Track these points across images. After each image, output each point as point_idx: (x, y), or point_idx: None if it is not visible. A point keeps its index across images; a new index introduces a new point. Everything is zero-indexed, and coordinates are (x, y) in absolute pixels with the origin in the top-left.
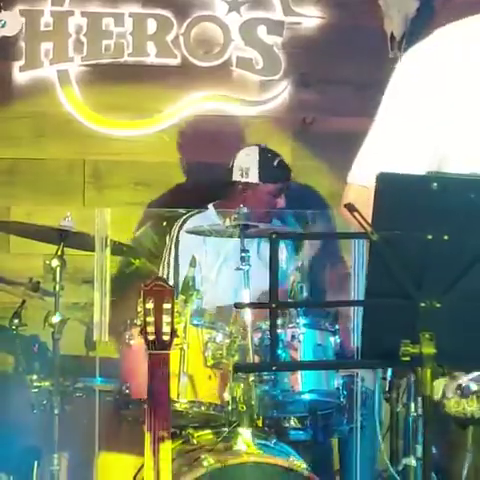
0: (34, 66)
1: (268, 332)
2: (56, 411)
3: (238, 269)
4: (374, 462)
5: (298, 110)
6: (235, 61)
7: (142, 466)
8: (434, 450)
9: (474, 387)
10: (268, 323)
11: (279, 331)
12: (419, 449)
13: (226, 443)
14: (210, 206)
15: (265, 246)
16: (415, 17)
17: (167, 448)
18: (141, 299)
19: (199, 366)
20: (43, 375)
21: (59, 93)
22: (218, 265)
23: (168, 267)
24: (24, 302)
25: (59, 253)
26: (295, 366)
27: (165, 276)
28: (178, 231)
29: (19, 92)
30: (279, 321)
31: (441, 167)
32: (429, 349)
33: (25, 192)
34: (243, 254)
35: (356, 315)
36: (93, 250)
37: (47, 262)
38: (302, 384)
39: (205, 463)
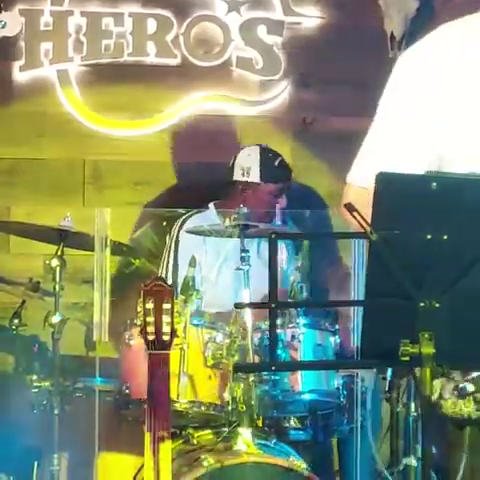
0: (34, 66)
1: (268, 332)
2: (56, 411)
3: (238, 269)
4: (374, 462)
5: (298, 110)
6: (235, 61)
7: (142, 466)
8: (434, 450)
9: (471, 388)
10: (268, 323)
11: (279, 331)
12: (419, 449)
13: (226, 443)
14: (211, 205)
15: (265, 246)
16: (415, 17)
17: (167, 448)
18: (141, 299)
19: (199, 366)
20: (43, 375)
21: (59, 93)
22: (218, 265)
23: (168, 267)
24: (24, 302)
25: (59, 253)
26: (295, 366)
27: (165, 276)
28: (178, 231)
29: (19, 92)
30: (279, 321)
31: (440, 167)
32: (428, 349)
33: (25, 192)
34: (243, 254)
35: (356, 315)
36: (93, 250)
37: (47, 262)
38: (302, 384)
39: (205, 463)
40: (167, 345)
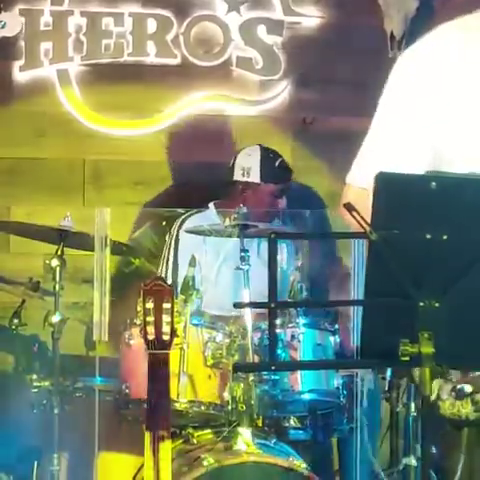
0: (34, 66)
1: (268, 332)
2: (56, 411)
3: (238, 269)
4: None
5: (298, 110)
6: (235, 61)
7: (142, 466)
8: (434, 450)
9: (468, 389)
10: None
11: (279, 331)
12: (419, 449)
13: (226, 443)
14: (211, 205)
15: (265, 246)
16: (415, 16)
17: (167, 448)
18: (141, 299)
19: (199, 366)
20: (43, 375)
21: (59, 93)
22: (218, 265)
23: (168, 267)
24: (24, 302)
25: (59, 253)
26: (295, 366)
27: (165, 276)
28: (178, 230)
29: (19, 92)
30: (279, 321)
31: (439, 166)
32: (428, 349)
33: (25, 192)
34: (242, 254)
35: (356, 315)
36: (93, 250)
37: (47, 262)
38: (302, 384)
39: (205, 463)
40: (167, 345)
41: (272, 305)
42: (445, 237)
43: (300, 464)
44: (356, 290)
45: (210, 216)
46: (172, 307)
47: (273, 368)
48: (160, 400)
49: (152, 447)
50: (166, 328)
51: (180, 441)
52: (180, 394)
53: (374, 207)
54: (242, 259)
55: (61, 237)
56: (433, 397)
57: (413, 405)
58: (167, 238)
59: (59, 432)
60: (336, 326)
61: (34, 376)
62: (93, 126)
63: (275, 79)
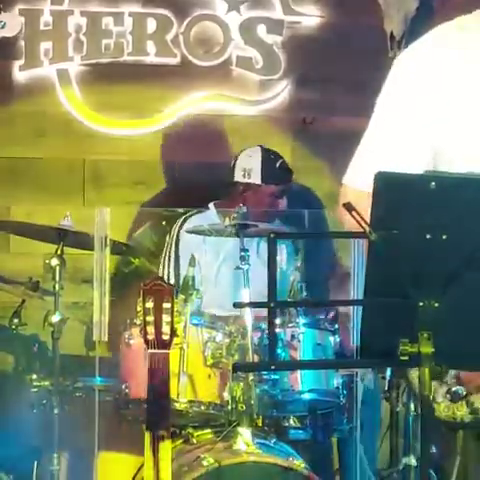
0: (34, 65)
1: (267, 331)
2: (56, 411)
3: (237, 268)
4: (374, 462)
5: (298, 109)
6: (235, 60)
7: (142, 466)
8: (434, 449)
9: (463, 392)
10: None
11: (279, 330)
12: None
13: (226, 442)
14: (211, 205)
15: (265, 247)
16: (415, 16)
17: (167, 447)
18: (141, 298)
19: (199, 365)
20: (43, 375)
21: (59, 92)
22: (218, 265)
23: (168, 266)
24: (24, 301)
25: (59, 252)
26: (294, 365)
27: (165, 276)
28: (178, 230)
29: (19, 92)
30: (279, 320)
31: (438, 166)
32: (427, 348)
33: (25, 192)
34: (242, 253)
35: (355, 314)
36: (93, 249)
37: (47, 261)
38: (302, 383)
39: (205, 462)
40: (167, 344)
41: (272, 305)
42: (445, 237)
43: (300, 464)
44: (356, 290)
45: (210, 216)
46: (172, 307)
47: (273, 368)
48: (160, 400)
49: (152, 447)
50: (166, 328)
51: (180, 441)
52: (180, 394)
53: (373, 207)
54: (242, 259)
55: (61, 237)
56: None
57: (412, 405)
58: (168, 238)
59: (59, 432)
60: (336, 326)
61: (34, 376)
62: (93, 126)
63: (275, 79)
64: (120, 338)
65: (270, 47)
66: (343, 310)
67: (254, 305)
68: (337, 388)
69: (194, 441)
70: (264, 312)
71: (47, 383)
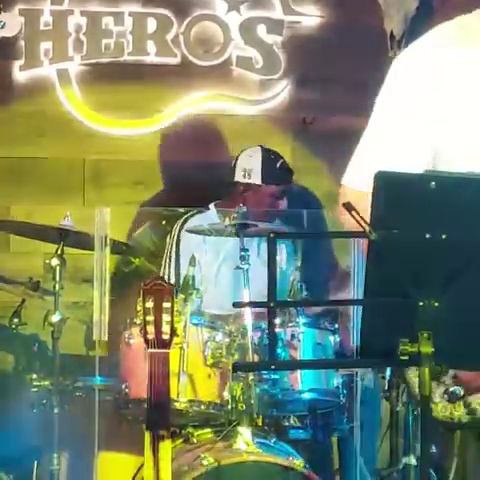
0: (34, 65)
1: (267, 331)
2: (56, 410)
3: (238, 268)
4: (374, 461)
5: (298, 109)
6: (235, 60)
7: (142, 465)
8: (434, 449)
9: (461, 392)
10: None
11: (279, 330)
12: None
13: (226, 442)
14: (211, 206)
15: (265, 247)
16: (415, 16)
17: (167, 447)
18: (141, 298)
19: (199, 365)
20: (43, 374)
21: (59, 92)
22: (218, 264)
23: (169, 266)
24: (24, 301)
25: (59, 252)
26: (294, 365)
27: (166, 275)
28: (179, 230)
29: (19, 91)
30: (279, 320)
31: (438, 166)
32: (427, 348)
33: (25, 192)
34: (242, 253)
35: (356, 314)
36: (93, 249)
37: (47, 261)
38: (302, 383)
39: (205, 462)
40: (167, 344)
41: (271, 304)
42: (444, 236)
43: (300, 463)
44: (356, 290)
45: (211, 217)
46: (172, 306)
47: (273, 367)
48: (160, 399)
49: (152, 447)
50: (166, 327)
51: (180, 440)
52: (180, 393)
53: (373, 206)
54: (242, 258)
55: (61, 236)
56: None
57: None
58: (168, 238)
59: (59, 432)
60: (336, 325)
61: (34, 376)
62: (93, 126)
63: (275, 79)
64: (120, 338)
65: (270, 47)
66: (343, 310)
67: (254, 305)
68: (337, 388)
69: (194, 441)
70: (263, 311)
71: (47, 383)
